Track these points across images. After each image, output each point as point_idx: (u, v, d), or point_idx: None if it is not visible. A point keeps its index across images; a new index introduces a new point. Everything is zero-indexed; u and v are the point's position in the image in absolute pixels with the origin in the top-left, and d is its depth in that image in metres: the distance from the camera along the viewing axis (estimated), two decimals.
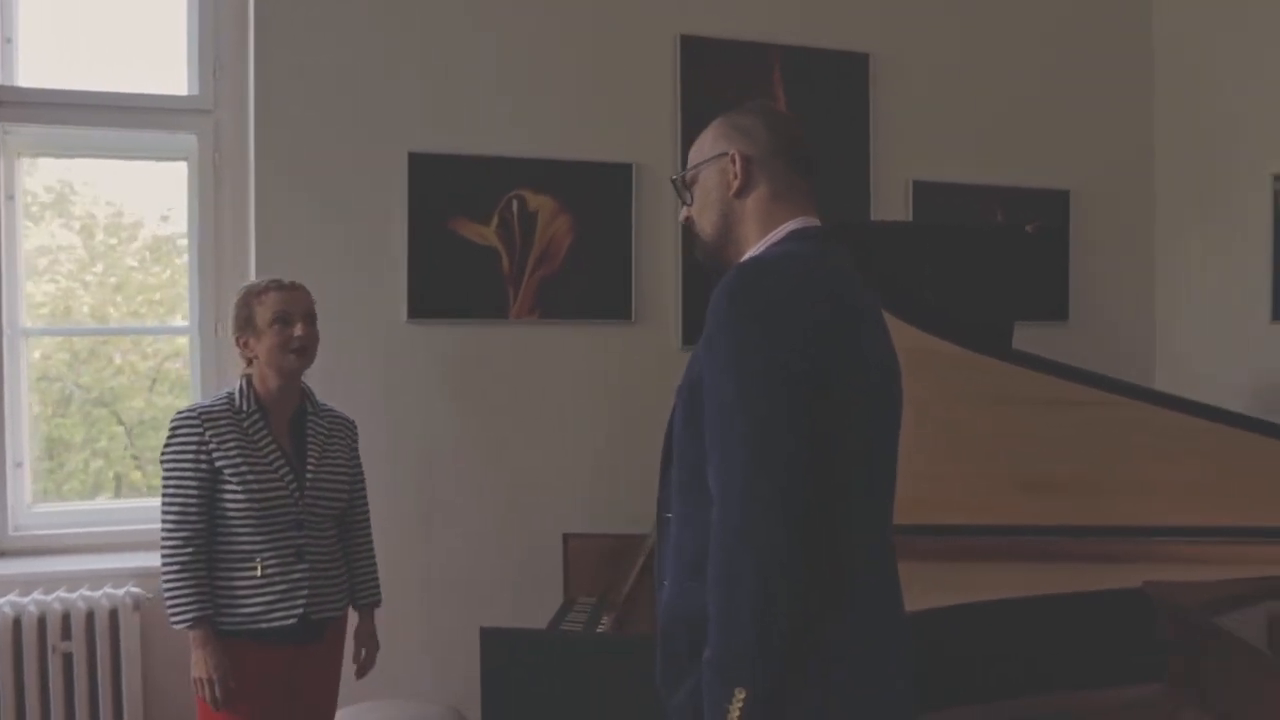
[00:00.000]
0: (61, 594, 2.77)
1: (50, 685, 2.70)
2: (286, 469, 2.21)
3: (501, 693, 2.03)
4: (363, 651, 2.40)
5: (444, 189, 2.99)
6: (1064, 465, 2.66)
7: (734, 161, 1.57)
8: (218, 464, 2.15)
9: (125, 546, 3.02)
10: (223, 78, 3.10)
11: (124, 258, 3.21)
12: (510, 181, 3.05)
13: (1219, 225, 3.52)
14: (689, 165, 1.65)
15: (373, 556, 2.44)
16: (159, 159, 3.22)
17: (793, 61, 3.30)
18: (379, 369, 2.93)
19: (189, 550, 2.13)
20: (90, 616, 2.76)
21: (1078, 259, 3.62)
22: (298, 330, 2.23)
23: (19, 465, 3.04)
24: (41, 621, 2.72)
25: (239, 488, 2.14)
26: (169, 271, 3.25)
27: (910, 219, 3.38)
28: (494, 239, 3.05)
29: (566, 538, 2.89)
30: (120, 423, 3.18)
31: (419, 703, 2.65)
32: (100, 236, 3.18)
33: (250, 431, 2.20)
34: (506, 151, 3.04)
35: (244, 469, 2.15)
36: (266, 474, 2.18)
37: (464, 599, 3.00)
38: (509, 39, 3.07)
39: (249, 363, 2.27)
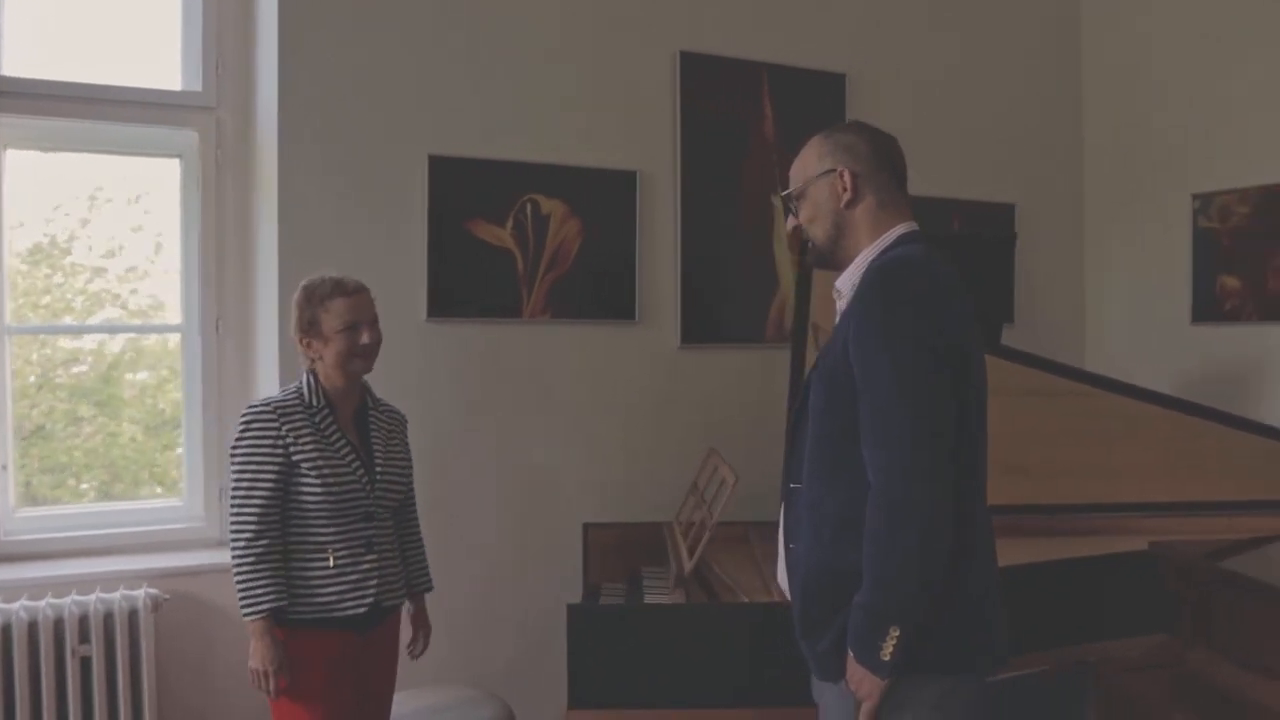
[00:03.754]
0: (75, 597, 2.71)
1: (69, 689, 2.64)
2: (358, 463, 2.26)
3: (588, 665, 2.15)
4: (421, 635, 2.47)
5: (462, 191, 3.07)
6: (1042, 450, 2.96)
7: (843, 177, 1.76)
8: (294, 457, 2.18)
9: (120, 549, 2.96)
10: (224, 75, 3.09)
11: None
12: (524, 186, 3.15)
13: (1144, 238, 3.96)
14: (795, 181, 1.85)
15: (423, 545, 2.51)
16: (150, 155, 3.16)
17: (779, 79, 3.53)
18: (401, 366, 2.97)
19: (264, 542, 2.16)
20: (108, 619, 2.71)
21: (1022, 266, 3.98)
22: (364, 338, 2.27)
23: (3, 469, 2.94)
24: (58, 624, 2.65)
25: (316, 481, 2.18)
26: (58, 275, 3.11)
27: None
28: (509, 241, 3.14)
29: (587, 527, 3.01)
30: None
31: (458, 687, 2.71)
32: None
33: (322, 426, 2.24)
34: (521, 156, 3.15)
35: (320, 462, 2.19)
36: (340, 467, 2.22)
37: (482, 587, 3.08)
38: (524, 50, 3.18)
39: (312, 362, 2.30)
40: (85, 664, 2.67)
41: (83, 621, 2.68)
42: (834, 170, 1.78)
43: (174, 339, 3.16)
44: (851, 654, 1.60)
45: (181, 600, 2.86)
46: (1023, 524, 2.92)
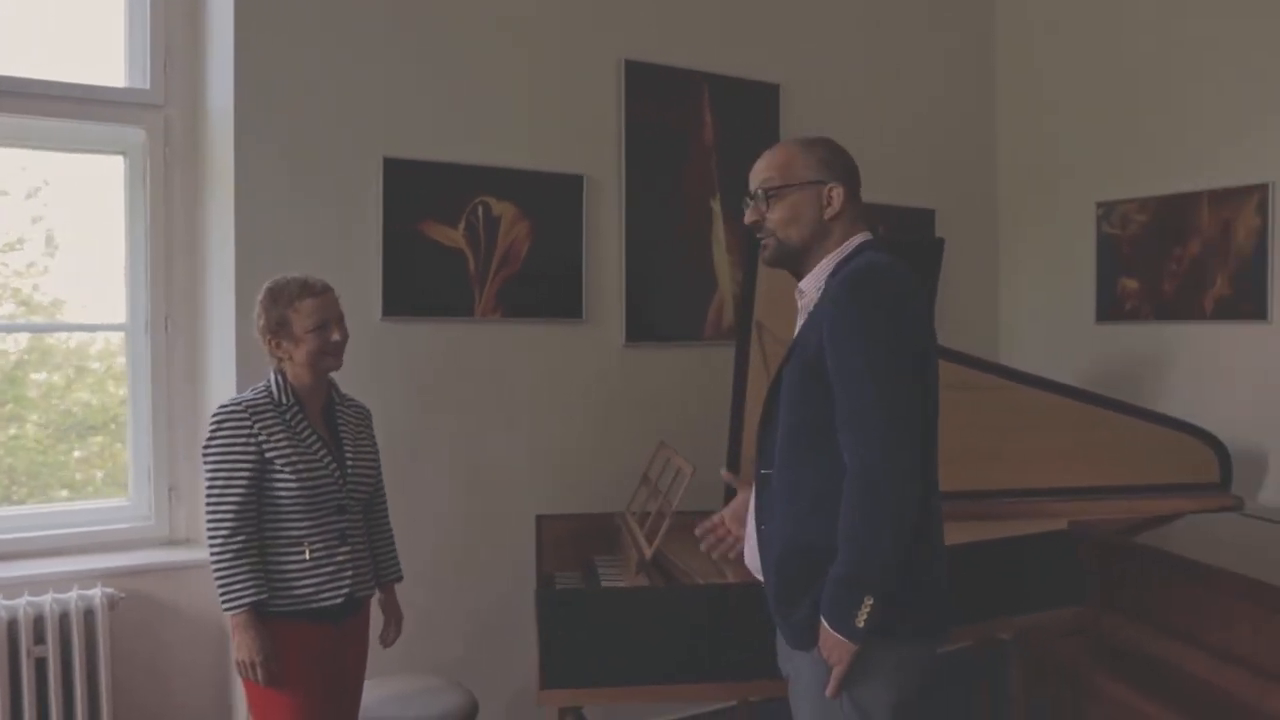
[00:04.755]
0: (29, 598, 2.69)
1: (24, 691, 2.62)
2: (329, 457, 2.32)
3: (558, 648, 2.26)
4: (392, 623, 2.54)
5: (416, 193, 3.14)
6: (965, 440, 3.17)
7: (833, 192, 1.88)
8: (268, 454, 2.23)
9: (67, 550, 2.95)
10: (172, 73, 3.10)
11: None
12: (476, 188, 3.23)
13: (1052, 243, 4.25)
14: (779, 180, 1.89)
15: (393, 535, 2.57)
16: (92, 152, 3.14)
17: (719, 89, 3.68)
18: (355, 364, 3.01)
19: (241, 538, 2.20)
20: (64, 619, 2.70)
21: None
22: (334, 336, 2.32)
23: None
24: (12, 626, 2.64)
25: (291, 476, 2.23)
26: None
27: None
28: (461, 242, 3.22)
29: (540, 519, 3.11)
30: None
31: (421, 676, 2.78)
32: None
33: (293, 422, 2.29)
34: (473, 159, 3.23)
35: (294, 458, 2.24)
36: (313, 462, 2.28)
37: (439, 579, 3.16)
38: (476, 57, 3.26)
39: (279, 361, 2.35)
40: (40, 665, 2.66)
41: (38, 622, 2.67)
42: (823, 183, 1.87)
43: (78, 339, 3.14)
44: (826, 622, 1.75)
45: (134, 599, 2.87)
46: (950, 510, 3.13)
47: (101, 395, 3.17)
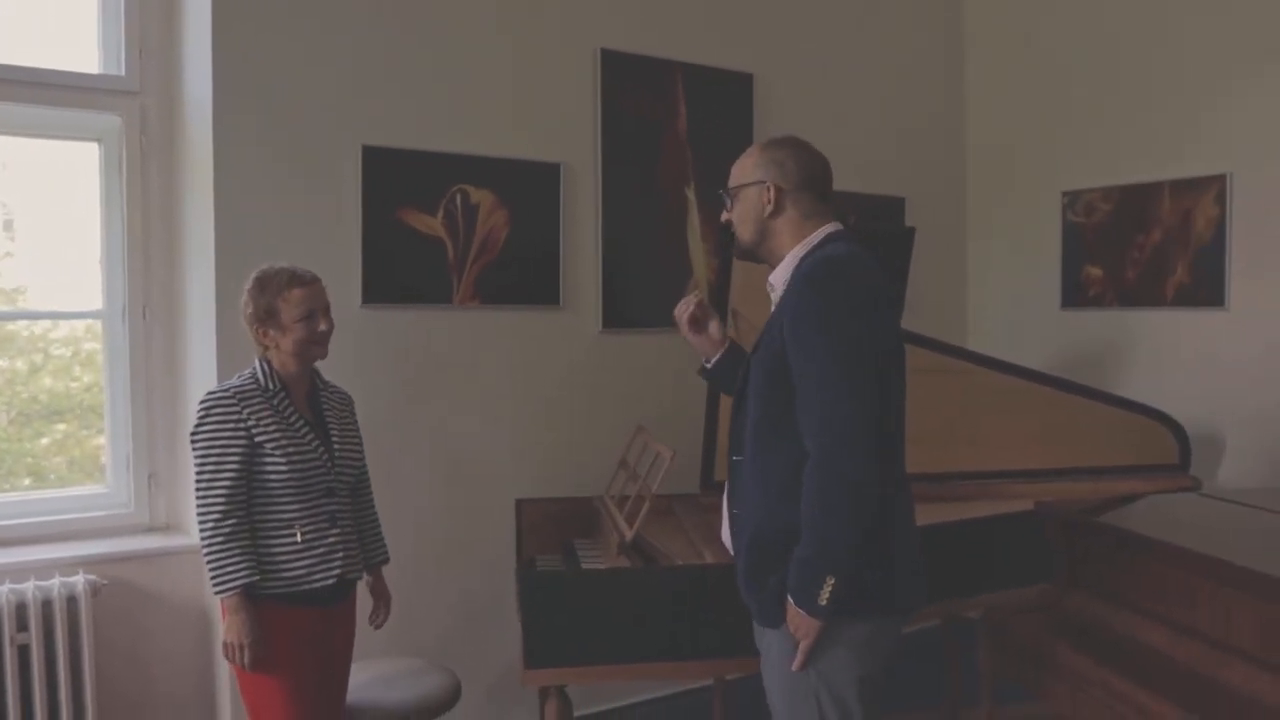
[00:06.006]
0: (11, 585, 2.70)
1: (7, 679, 2.64)
2: (317, 441, 2.35)
3: (541, 628, 2.31)
4: (381, 605, 2.58)
5: (395, 181, 3.16)
6: (933, 422, 3.24)
7: (769, 190, 1.97)
8: (257, 439, 2.26)
9: (46, 538, 2.95)
10: (148, 60, 3.09)
11: None
12: (454, 176, 3.26)
13: (1019, 231, 4.34)
14: (733, 181, 2.05)
15: (378, 519, 2.61)
16: (65, 138, 3.12)
17: (693, 78, 3.72)
18: (336, 351, 3.02)
19: (232, 521, 2.23)
20: (47, 606, 2.71)
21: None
22: (321, 326, 2.36)
23: None
24: None
25: (281, 460, 2.26)
26: None
27: None
28: (440, 230, 3.25)
29: (519, 503, 3.15)
30: None
31: (405, 658, 2.83)
32: None
33: (280, 408, 2.32)
34: (451, 148, 3.25)
35: (283, 441, 2.27)
36: (302, 446, 2.31)
37: (421, 564, 3.19)
38: (454, 45, 3.27)
39: (265, 350, 2.38)
40: (23, 652, 2.67)
41: (20, 610, 2.67)
42: (763, 182, 1.97)
43: (41, 325, 3.13)
44: (791, 600, 1.82)
45: (116, 586, 2.88)
46: (919, 491, 3.21)
47: (66, 382, 3.15)
